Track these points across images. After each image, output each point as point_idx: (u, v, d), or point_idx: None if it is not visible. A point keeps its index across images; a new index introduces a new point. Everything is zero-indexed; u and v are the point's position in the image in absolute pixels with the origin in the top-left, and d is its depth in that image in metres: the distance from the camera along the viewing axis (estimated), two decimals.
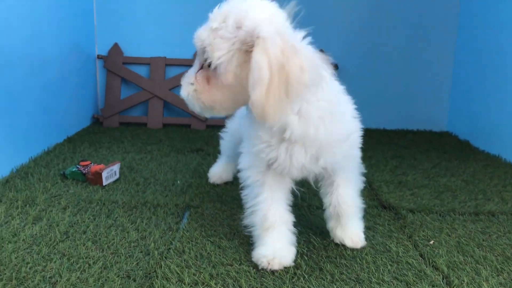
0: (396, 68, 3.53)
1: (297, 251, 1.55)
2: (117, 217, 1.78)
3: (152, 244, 1.57)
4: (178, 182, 2.20)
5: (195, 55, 3.39)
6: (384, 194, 2.09)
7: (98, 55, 3.41)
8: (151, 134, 3.15)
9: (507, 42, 2.82)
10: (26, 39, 2.36)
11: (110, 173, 2.14)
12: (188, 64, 3.39)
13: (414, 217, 1.86)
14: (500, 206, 1.99)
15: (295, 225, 1.73)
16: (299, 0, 3.62)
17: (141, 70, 3.44)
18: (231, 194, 2.06)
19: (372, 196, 2.09)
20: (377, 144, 3.07)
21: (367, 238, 1.67)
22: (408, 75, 3.55)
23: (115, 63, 3.38)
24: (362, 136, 1.60)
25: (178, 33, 3.41)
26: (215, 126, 3.41)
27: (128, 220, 1.76)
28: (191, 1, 3.38)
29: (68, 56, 2.91)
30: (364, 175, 2.37)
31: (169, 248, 1.56)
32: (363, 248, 1.59)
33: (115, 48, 3.39)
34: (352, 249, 1.58)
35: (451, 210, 1.95)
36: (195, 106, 1.35)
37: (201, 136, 3.16)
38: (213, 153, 2.68)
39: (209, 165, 2.47)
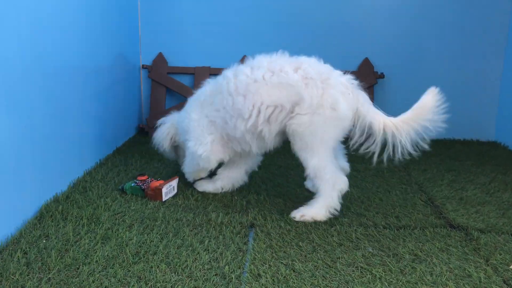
0: (442, 76, 3.46)
1: (375, 275, 1.51)
2: (184, 236, 1.76)
3: (226, 266, 1.54)
4: (236, 197, 2.18)
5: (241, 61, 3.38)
6: (449, 213, 2.04)
7: (142, 65, 3.42)
8: None
9: None
10: (80, 51, 2.36)
11: (169, 189, 2.13)
12: None
13: (486, 238, 1.80)
14: None
15: (366, 247, 1.71)
16: (345, 11, 3.51)
17: (186, 80, 3.44)
18: (292, 211, 2.02)
19: (437, 214, 2.04)
20: (427, 156, 3.00)
21: (442, 260, 1.62)
22: (454, 83, 3.47)
23: (159, 73, 3.38)
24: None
25: (222, 42, 3.40)
26: None
27: (196, 239, 1.74)
28: (235, 11, 3.37)
29: (114, 66, 2.91)
30: (423, 190, 2.33)
31: (244, 271, 1.53)
32: (441, 273, 1.54)
33: (160, 58, 3.39)
34: (432, 274, 1.53)
35: None
36: None
37: None
38: (264, 166, 2.65)
39: (262, 178, 2.45)
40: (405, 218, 1.98)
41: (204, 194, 2.21)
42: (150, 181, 2.18)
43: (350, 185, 2.36)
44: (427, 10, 3.36)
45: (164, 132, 2.34)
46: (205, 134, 2.08)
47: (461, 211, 2.06)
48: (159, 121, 2.40)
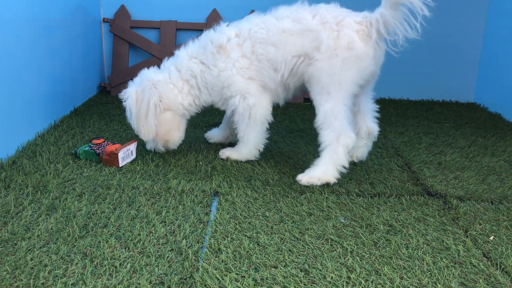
0: (421, 34, 3.28)
1: (346, 249, 1.39)
2: (139, 207, 1.60)
3: (184, 241, 1.39)
4: (200, 163, 2.01)
5: (208, 19, 3.16)
6: (427, 179, 1.92)
7: (103, 19, 3.16)
8: None
9: None
10: (31, 2, 2.12)
11: (126, 153, 1.96)
12: (200, 28, 3.15)
13: (465, 206, 1.69)
14: None
15: (337, 217, 1.58)
16: None
17: (151, 35, 3.20)
18: (261, 178, 1.88)
19: (414, 181, 1.92)
20: (405, 118, 2.88)
21: (419, 231, 1.51)
22: (433, 42, 3.31)
23: (122, 27, 3.13)
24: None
25: None
26: None
27: (153, 210, 1.58)
28: None
29: (72, 19, 2.66)
30: (400, 154, 2.20)
31: (203, 246, 1.39)
32: (418, 245, 1.42)
33: (122, 11, 3.14)
34: (407, 247, 1.41)
35: (503, 197, 1.78)
36: (161, 148, 2.08)
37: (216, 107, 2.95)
38: None
39: (230, 142, 2.28)
40: (380, 185, 1.85)
41: (165, 159, 2.04)
42: (106, 145, 2.00)
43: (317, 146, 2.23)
44: None
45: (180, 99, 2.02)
46: (246, 81, 1.91)
47: (439, 177, 1.95)
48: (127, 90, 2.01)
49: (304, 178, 1.83)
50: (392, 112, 3.00)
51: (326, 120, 1.78)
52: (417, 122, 2.80)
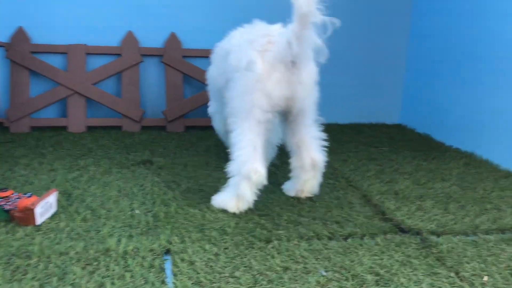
0: (346, 59, 3.23)
1: None
2: (75, 280, 1.25)
3: None
4: (137, 212, 1.69)
5: (123, 42, 2.83)
6: (394, 213, 1.77)
7: None
8: (75, 141, 2.54)
9: (463, 31, 2.70)
10: None
11: (45, 207, 1.58)
12: (114, 53, 2.81)
13: (445, 243, 1.55)
14: None
15: (317, 268, 1.36)
16: None
17: (56, 61, 2.78)
18: (215, 226, 1.61)
19: (381, 216, 1.76)
20: (340, 144, 2.75)
21: (410, 278, 1.33)
22: (359, 66, 3.28)
23: (20, 52, 2.69)
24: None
25: (101, 15, 2.81)
26: (153, 128, 2.87)
27: (93, 283, 1.24)
28: None
29: None
30: (353, 185, 2.06)
31: None
32: None
33: (20, 34, 2.70)
34: None
35: (474, 228, 1.68)
36: None
37: (139, 141, 2.61)
38: (166, 166, 2.18)
39: (166, 182, 1.98)
40: (348, 224, 1.67)
41: (94, 210, 1.69)
42: (17, 198, 1.61)
43: (274, 183, 2.01)
44: None
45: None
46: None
47: (404, 210, 1.81)
48: None
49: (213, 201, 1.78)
50: (326, 137, 2.87)
51: (232, 148, 1.71)
52: (355, 147, 2.69)
